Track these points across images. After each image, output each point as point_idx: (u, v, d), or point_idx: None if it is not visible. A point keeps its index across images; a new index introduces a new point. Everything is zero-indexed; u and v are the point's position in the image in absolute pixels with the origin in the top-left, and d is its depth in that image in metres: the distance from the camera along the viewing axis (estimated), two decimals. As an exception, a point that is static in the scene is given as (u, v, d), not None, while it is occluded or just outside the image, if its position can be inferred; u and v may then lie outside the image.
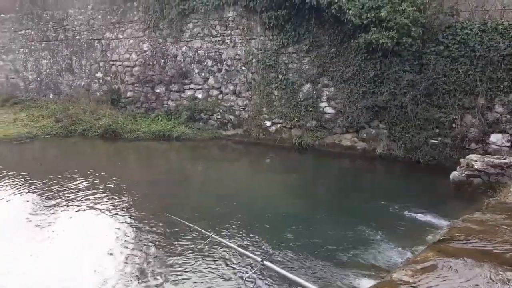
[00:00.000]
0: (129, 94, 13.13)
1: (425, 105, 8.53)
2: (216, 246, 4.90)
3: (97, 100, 13.17)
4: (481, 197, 5.70)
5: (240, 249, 4.12)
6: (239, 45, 11.11)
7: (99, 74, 13.84)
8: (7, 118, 13.13)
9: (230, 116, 11.40)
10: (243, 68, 11.11)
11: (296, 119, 10.19)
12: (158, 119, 12.09)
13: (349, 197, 6.99)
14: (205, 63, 11.71)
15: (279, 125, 10.57)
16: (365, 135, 9.39)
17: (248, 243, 5.07)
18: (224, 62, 11.38)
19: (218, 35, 11.39)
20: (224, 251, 4.82)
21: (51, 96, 15.11)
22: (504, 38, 7.84)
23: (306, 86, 10.09)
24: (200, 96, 11.90)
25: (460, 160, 6.83)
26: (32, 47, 15.54)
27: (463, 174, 6.47)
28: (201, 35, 11.65)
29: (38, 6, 15.85)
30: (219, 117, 11.59)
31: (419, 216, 5.84)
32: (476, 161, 6.43)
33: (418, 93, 8.50)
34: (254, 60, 10.86)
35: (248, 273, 4.08)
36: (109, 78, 13.59)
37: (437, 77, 8.38)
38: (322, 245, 4.97)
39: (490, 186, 6.16)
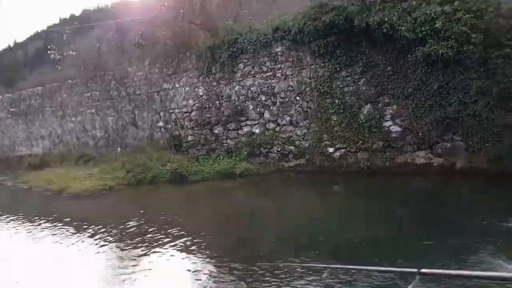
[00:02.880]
0: (189, 138, 13.64)
1: (501, 111, 8.01)
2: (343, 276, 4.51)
3: (161, 148, 13.84)
4: None
5: (389, 268, 4.00)
6: (291, 76, 11.26)
7: (161, 124, 14.59)
8: (83, 174, 14.03)
9: (290, 147, 11.39)
10: (297, 98, 11.19)
11: (360, 142, 9.93)
12: (219, 159, 12.36)
13: (438, 216, 6.49)
14: (259, 99, 11.95)
15: (343, 150, 10.37)
16: (440, 150, 8.93)
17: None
18: (278, 95, 11.55)
19: (269, 70, 11.66)
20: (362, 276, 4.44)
21: (118, 149, 16.13)
22: None
23: (366, 107, 9.90)
24: (257, 131, 12.07)
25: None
26: (98, 107, 16.84)
27: None
28: (252, 72, 11.99)
29: (101, 68, 17.37)
30: (279, 149, 11.62)
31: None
32: None
33: (491, 99, 8.04)
34: (307, 89, 10.91)
35: (409, 286, 3.87)
36: (169, 125, 14.27)
37: (508, 80, 7.90)
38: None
39: None
